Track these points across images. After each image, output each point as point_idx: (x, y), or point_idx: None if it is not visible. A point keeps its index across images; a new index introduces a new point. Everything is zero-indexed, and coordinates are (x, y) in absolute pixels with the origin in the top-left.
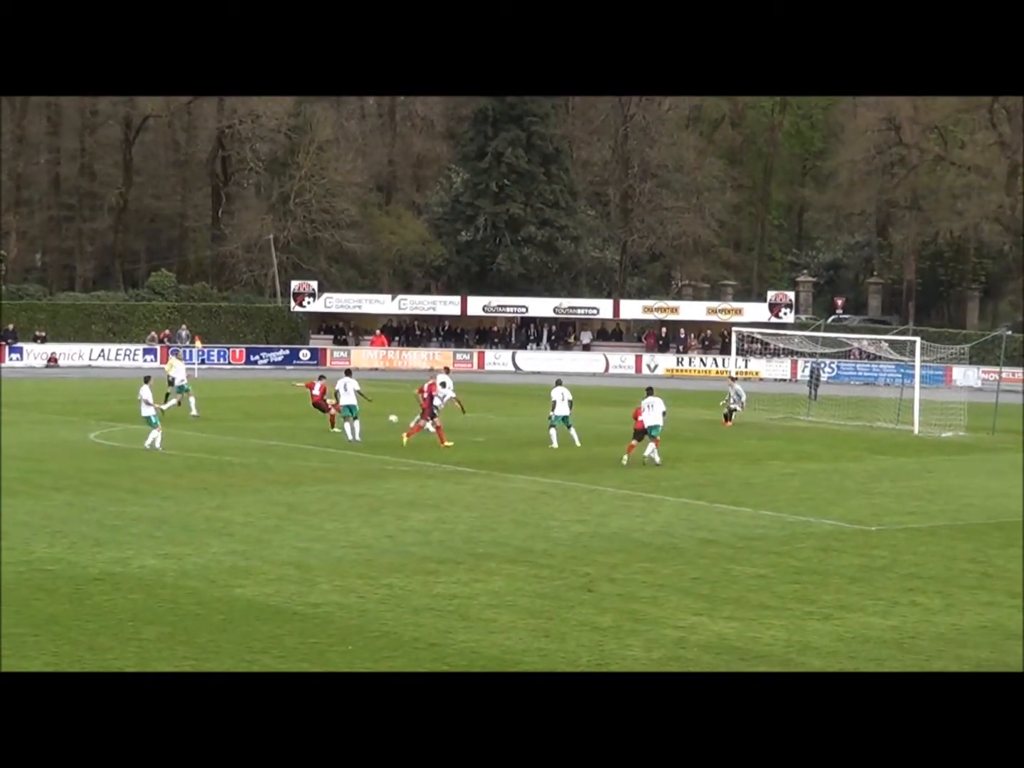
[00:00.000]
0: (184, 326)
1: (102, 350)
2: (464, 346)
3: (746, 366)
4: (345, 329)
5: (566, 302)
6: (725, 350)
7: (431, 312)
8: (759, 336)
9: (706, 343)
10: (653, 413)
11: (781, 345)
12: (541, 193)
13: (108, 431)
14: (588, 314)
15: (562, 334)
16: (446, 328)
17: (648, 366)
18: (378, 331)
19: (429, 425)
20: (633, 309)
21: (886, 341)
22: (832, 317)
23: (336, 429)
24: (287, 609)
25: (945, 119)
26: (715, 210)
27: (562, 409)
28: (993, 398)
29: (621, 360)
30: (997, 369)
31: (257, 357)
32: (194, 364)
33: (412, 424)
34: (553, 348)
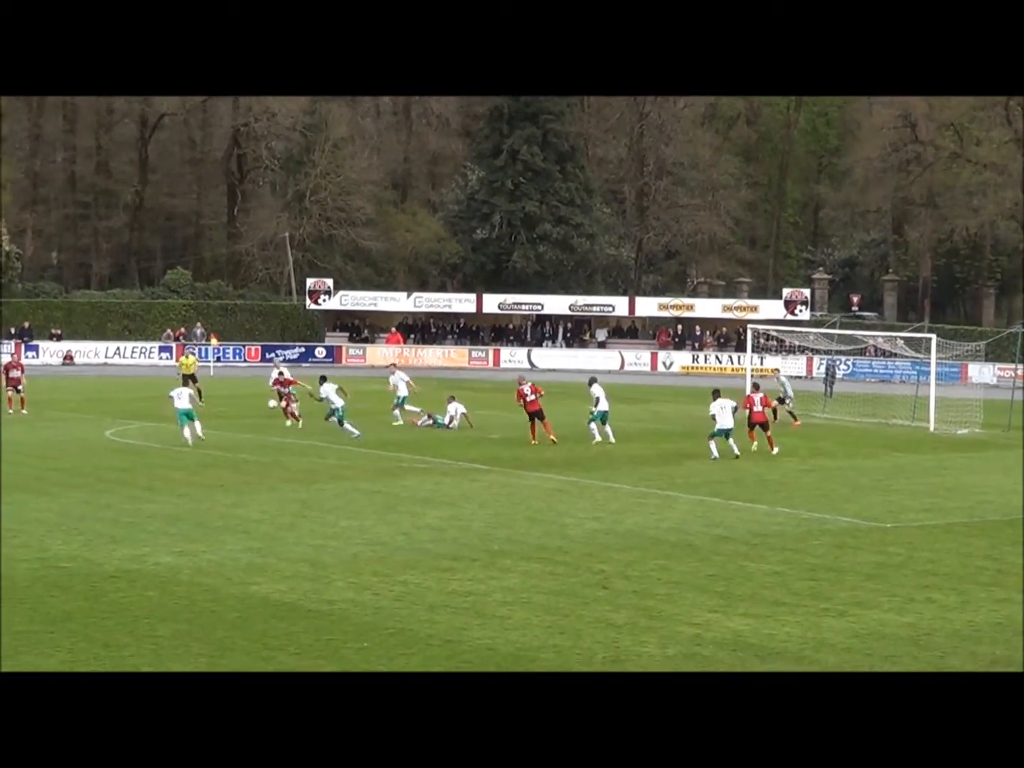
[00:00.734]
0: (199, 324)
1: (118, 348)
2: (480, 343)
3: (761, 363)
4: (360, 327)
5: (581, 299)
6: (741, 347)
7: (447, 310)
8: (775, 333)
9: (721, 340)
10: (725, 415)
11: (797, 342)
12: (557, 191)
13: (124, 429)
14: (603, 311)
15: (577, 331)
16: (461, 326)
17: (664, 363)
18: (393, 328)
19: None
20: (648, 306)
21: (902, 338)
22: (847, 314)
23: (289, 423)
24: (302, 606)
25: (961, 116)
26: (730, 207)
27: (603, 405)
28: (1009, 395)
29: (636, 357)
30: (1013, 366)
31: (273, 355)
32: (210, 361)
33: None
34: (568, 345)
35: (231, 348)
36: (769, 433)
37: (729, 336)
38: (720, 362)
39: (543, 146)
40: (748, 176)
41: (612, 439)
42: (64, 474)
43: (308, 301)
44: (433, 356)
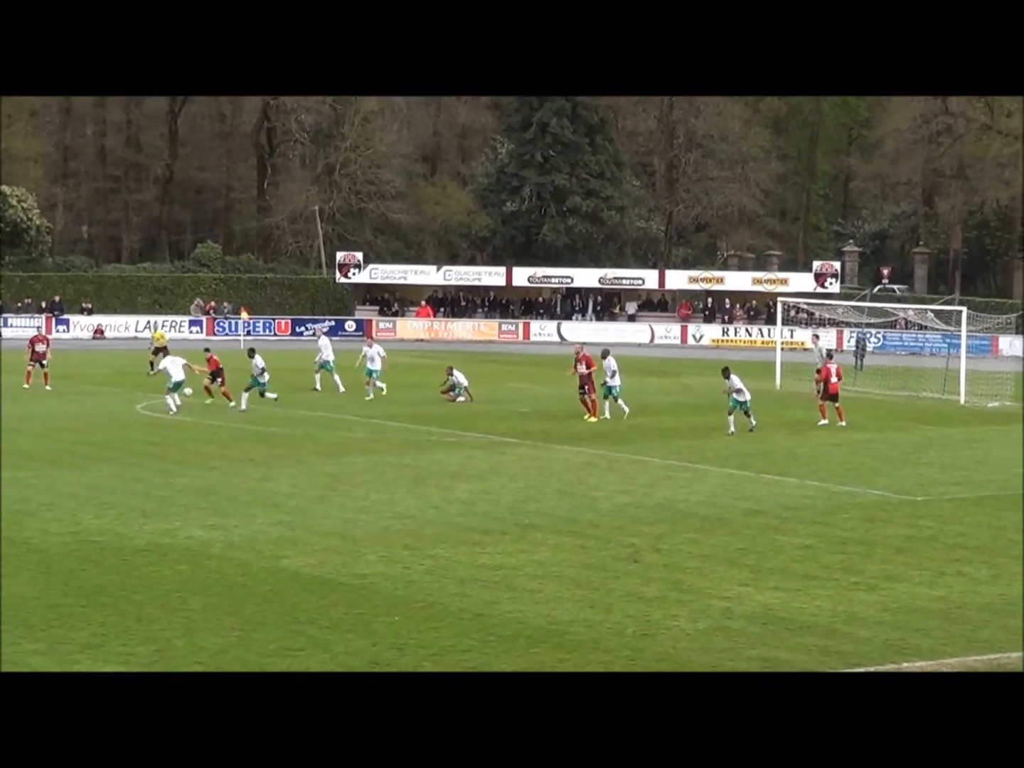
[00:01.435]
0: (224, 302)
1: (148, 322)
2: (509, 317)
3: (791, 336)
4: (390, 300)
5: (611, 272)
6: (771, 320)
7: (476, 283)
8: (804, 306)
9: (751, 313)
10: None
11: (827, 315)
12: (586, 163)
13: (154, 402)
14: (633, 284)
15: (607, 304)
16: (491, 299)
17: (694, 336)
18: (423, 302)
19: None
20: (678, 279)
21: (932, 311)
22: (878, 287)
23: (209, 400)
24: (333, 580)
25: None
26: (760, 180)
27: (615, 380)
28: None
29: (667, 330)
30: None
31: (303, 328)
32: (240, 335)
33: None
34: (598, 318)
35: (261, 322)
36: (839, 404)
37: (759, 309)
38: (750, 335)
39: (573, 119)
40: (778, 148)
41: (626, 409)
42: (95, 448)
43: (338, 274)
44: (463, 329)
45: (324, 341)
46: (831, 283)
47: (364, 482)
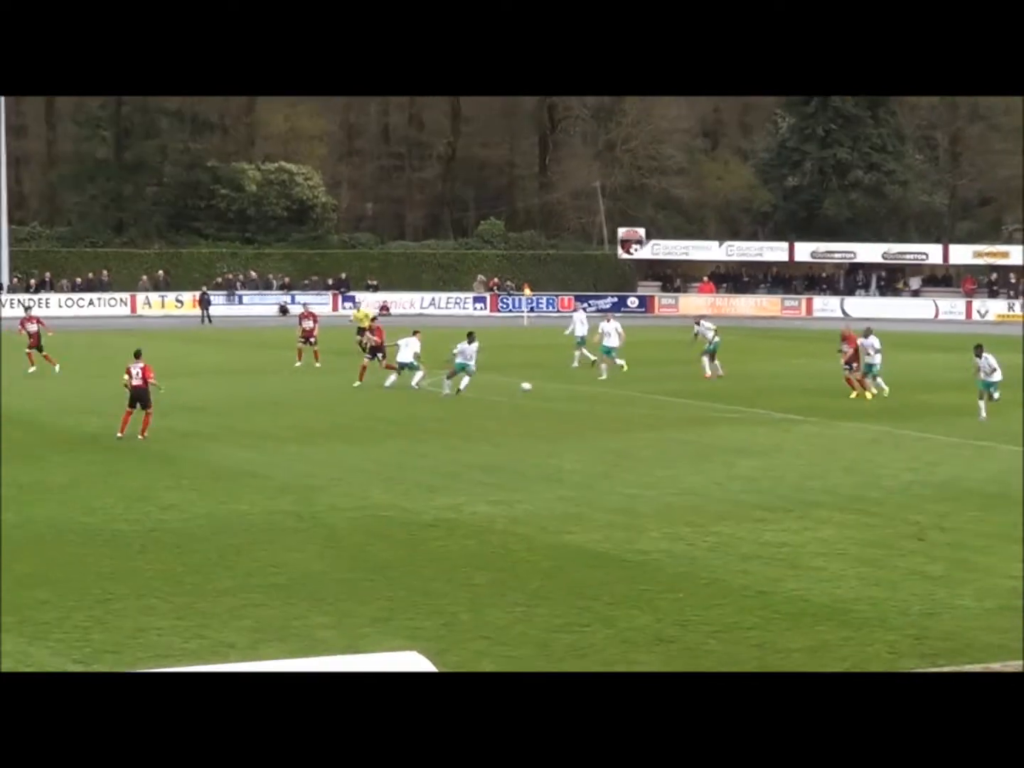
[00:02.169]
0: (507, 279)
1: (432, 298)
2: (792, 292)
3: None
4: (672, 276)
5: (894, 247)
6: None
7: (758, 258)
8: None
9: None
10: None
11: None
12: (868, 137)
13: (439, 379)
14: (917, 259)
15: (891, 280)
16: (774, 274)
17: (979, 312)
18: (705, 278)
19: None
20: (962, 254)
21: None
22: None
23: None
24: (616, 556)
25: None
26: None
27: (876, 359)
28: None
29: (951, 306)
30: None
31: (585, 304)
32: (523, 312)
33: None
34: (882, 294)
35: (544, 298)
36: None
37: None
38: None
39: None
40: None
41: (885, 388)
42: (382, 423)
43: (620, 250)
44: (745, 305)
45: (580, 316)
46: None
47: (648, 458)
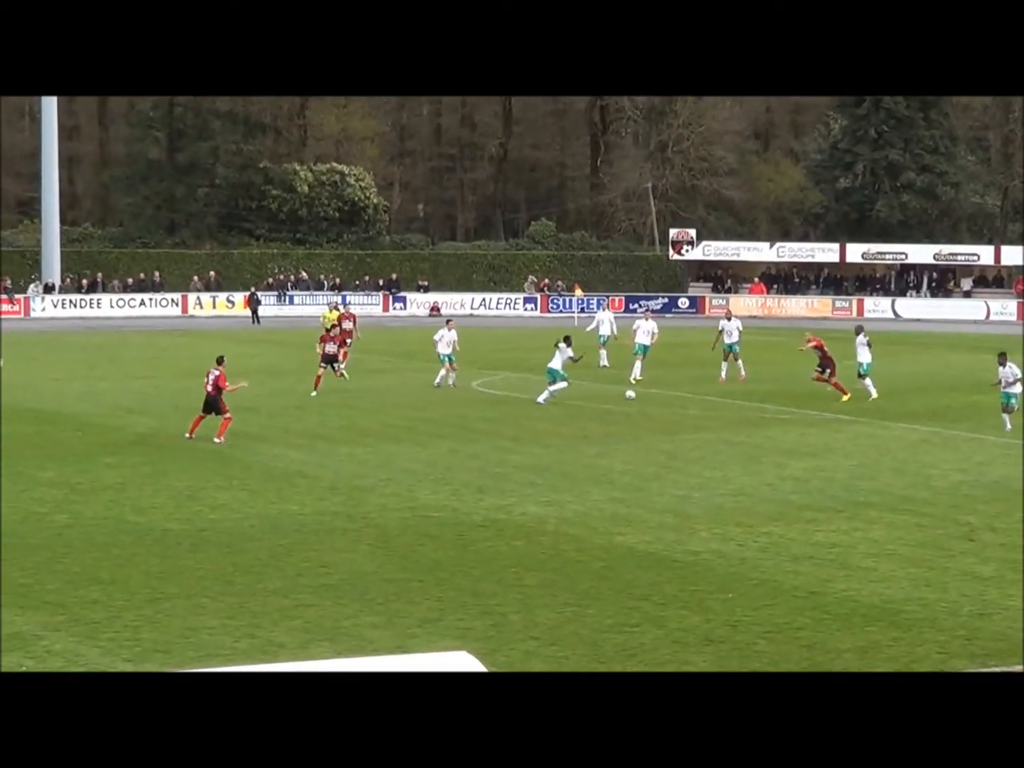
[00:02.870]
0: (558, 280)
1: (483, 299)
2: (843, 294)
3: None
4: (723, 277)
5: (946, 248)
6: None
7: (809, 259)
8: None
9: None
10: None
11: None
12: (920, 138)
13: (489, 379)
14: (968, 261)
15: (942, 281)
16: (825, 275)
17: None
18: (756, 279)
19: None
20: (1015, 255)
21: None
22: None
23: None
24: (666, 556)
25: None
26: None
27: (864, 357)
28: None
29: (1002, 307)
30: None
31: (636, 305)
32: (574, 312)
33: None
34: (933, 295)
35: (595, 299)
36: None
37: None
38: None
39: None
40: None
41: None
42: (432, 424)
43: (671, 251)
44: (796, 306)
45: (605, 315)
46: None
47: (698, 459)
